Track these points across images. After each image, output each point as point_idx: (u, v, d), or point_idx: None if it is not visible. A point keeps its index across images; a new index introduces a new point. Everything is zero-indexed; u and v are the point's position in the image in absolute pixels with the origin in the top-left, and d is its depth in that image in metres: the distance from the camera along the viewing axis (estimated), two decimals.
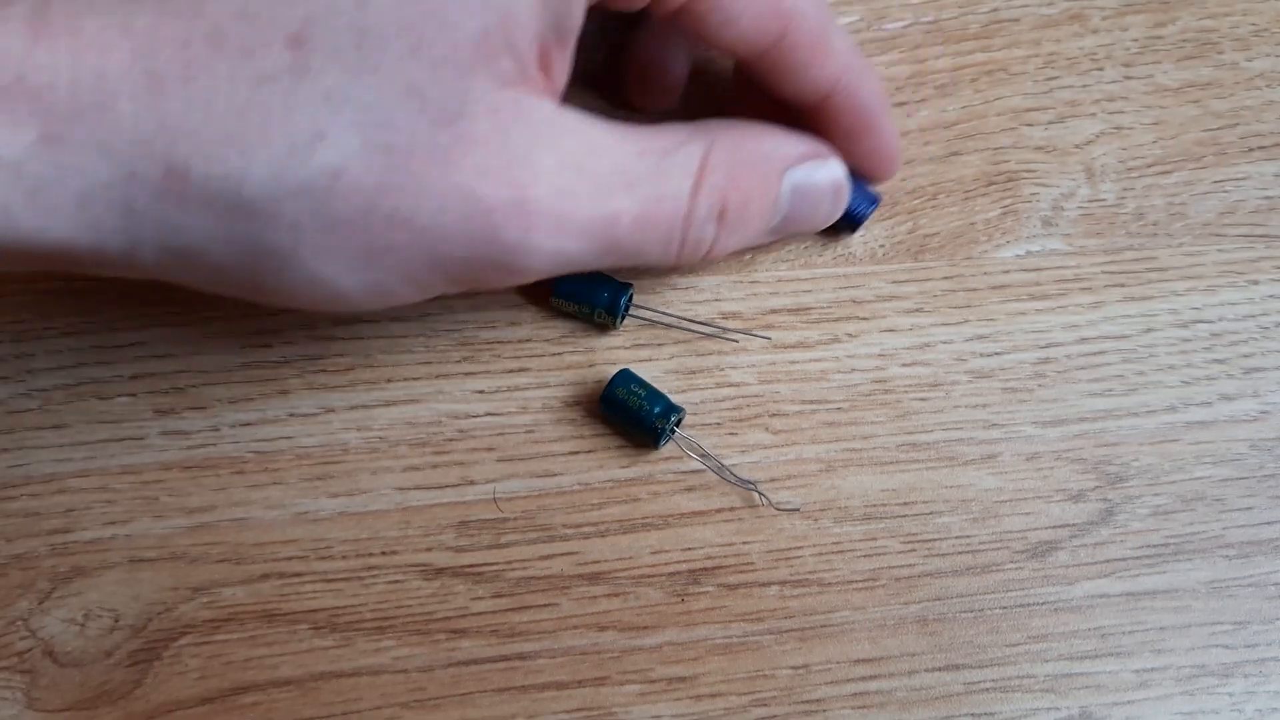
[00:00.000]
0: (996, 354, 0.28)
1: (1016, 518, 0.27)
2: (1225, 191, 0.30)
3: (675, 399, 0.27)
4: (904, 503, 0.27)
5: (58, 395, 0.27)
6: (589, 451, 0.27)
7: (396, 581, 0.26)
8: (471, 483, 0.27)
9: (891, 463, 0.28)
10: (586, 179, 0.22)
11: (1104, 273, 0.29)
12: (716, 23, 0.23)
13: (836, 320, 0.29)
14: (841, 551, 0.27)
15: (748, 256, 0.29)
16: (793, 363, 0.28)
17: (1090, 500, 0.27)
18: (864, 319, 0.29)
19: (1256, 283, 0.29)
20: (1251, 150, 0.30)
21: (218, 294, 0.22)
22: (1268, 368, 0.29)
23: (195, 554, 0.26)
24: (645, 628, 0.26)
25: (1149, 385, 0.28)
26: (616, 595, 0.27)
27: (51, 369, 0.28)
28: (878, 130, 0.27)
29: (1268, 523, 0.28)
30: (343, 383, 0.28)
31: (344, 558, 0.27)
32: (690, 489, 0.27)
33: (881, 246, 0.29)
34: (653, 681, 0.26)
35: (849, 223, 0.28)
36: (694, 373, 0.28)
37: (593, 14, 0.23)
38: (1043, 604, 0.27)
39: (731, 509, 0.27)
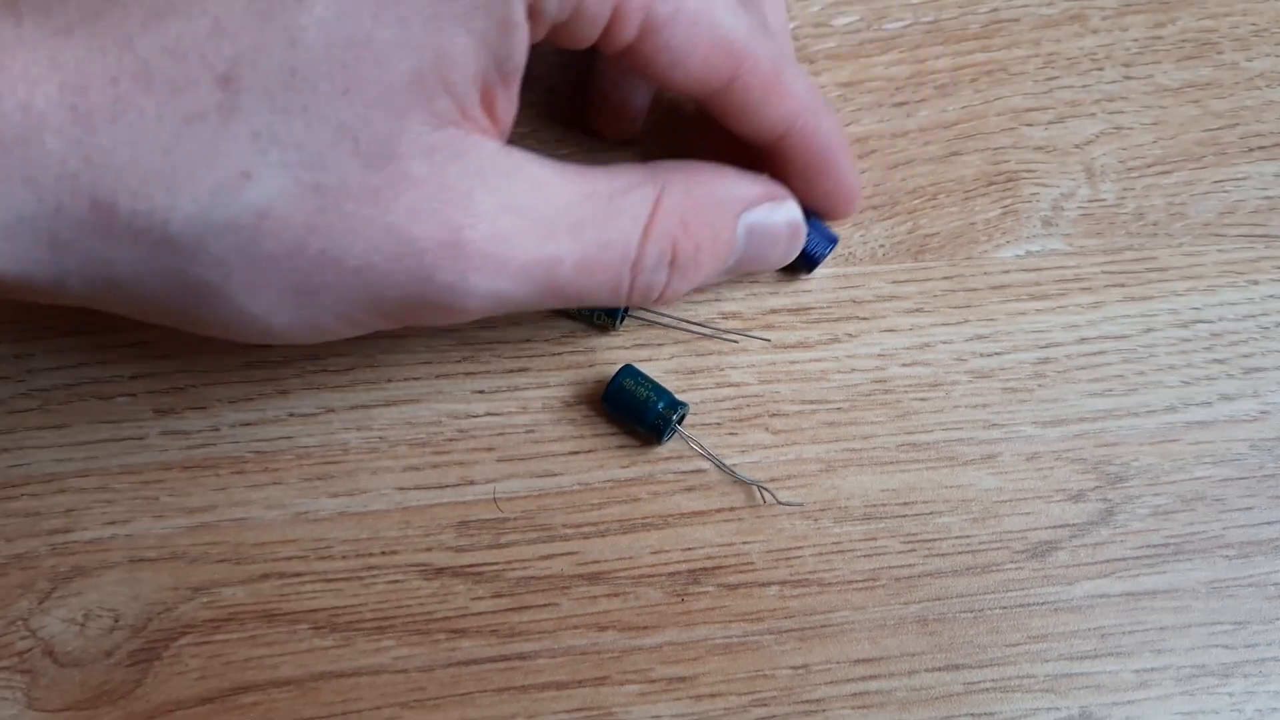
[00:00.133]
0: (996, 354, 0.28)
1: (1016, 518, 0.27)
2: (1225, 191, 0.30)
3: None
4: (904, 503, 0.27)
5: (58, 395, 0.27)
6: (589, 451, 0.27)
7: (396, 581, 0.26)
8: (471, 483, 0.27)
9: (891, 463, 0.28)
10: (527, 221, 0.22)
11: (1104, 273, 0.29)
12: (665, 63, 0.23)
13: (836, 320, 0.29)
14: (841, 551, 0.27)
15: None
16: (793, 363, 0.28)
17: (1090, 500, 0.27)
18: (864, 319, 0.29)
19: (1256, 283, 0.29)
20: (1251, 150, 0.30)
21: (148, 322, 0.22)
22: (1268, 368, 0.29)
23: (195, 554, 0.26)
24: (645, 628, 0.26)
25: (1149, 385, 0.28)
26: (616, 595, 0.27)
27: (51, 369, 0.28)
28: (836, 170, 0.26)
29: (1268, 523, 0.28)
30: (343, 383, 0.28)
31: (344, 558, 0.27)
32: (690, 489, 0.27)
33: (881, 246, 0.29)
34: (653, 681, 0.26)
35: (805, 263, 0.28)
36: (694, 373, 0.28)
37: (542, 47, 0.23)
38: (1043, 604, 0.27)
39: (731, 509, 0.27)
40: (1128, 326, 0.29)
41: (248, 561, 0.26)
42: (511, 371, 0.28)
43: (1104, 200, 0.30)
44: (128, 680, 0.26)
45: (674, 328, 0.28)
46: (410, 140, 0.20)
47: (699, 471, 0.27)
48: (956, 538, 0.27)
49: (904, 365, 0.28)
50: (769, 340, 0.28)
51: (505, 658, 0.26)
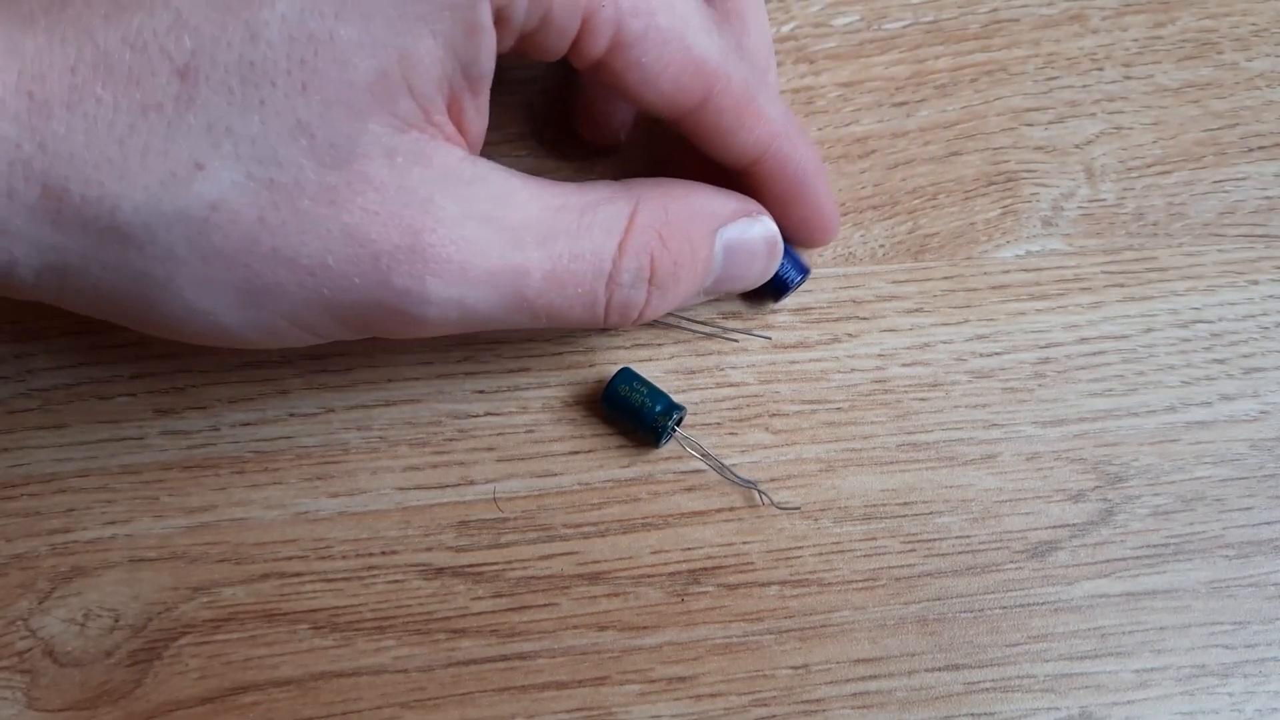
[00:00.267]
0: (996, 354, 0.28)
1: (1016, 518, 0.27)
2: (1225, 192, 0.30)
3: (675, 399, 0.27)
4: (904, 503, 0.27)
5: (58, 395, 0.27)
6: (589, 451, 0.27)
7: (396, 581, 0.26)
8: (471, 483, 0.27)
9: (891, 463, 0.28)
10: (492, 230, 0.22)
11: (1104, 273, 0.29)
12: (635, 81, 0.23)
13: (836, 320, 0.29)
14: (841, 551, 0.27)
15: None
16: (793, 363, 0.28)
17: (1090, 500, 0.27)
18: (864, 319, 0.29)
19: (1256, 283, 0.29)
20: (1251, 150, 0.30)
21: (102, 319, 0.22)
22: (1267, 368, 0.29)
23: (195, 554, 0.26)
24: (645, 628, 0.26)
25: (1149, 385, 0.28)
26: (616, 595, 0.27)
27: (51, 369, 0.28)
28: (811, 197, 0.26)
29: (1267, 523, 0.28)
30: (343, 383, 0.28)
31: (344, 557, 0.27)
32: (690, 489, 0.27)
33: (881, 246, 0.29)
34: (653, 681, 0.26)
35: (775, 290, 0.28)
36: (694, 373, 0.28)
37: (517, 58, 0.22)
38: (1043, 604, 0.27)
39: (731, 509, 0.27)
40: (1128, 326, 0.29)
41: (248, 561, 0.26)
42: (511, 371, 0.28)
43: (1104, 200, 0.30)
44: (128, 680, 0.26)
45: (674, 327, 0.28)
46: (370, 141, 0.20)
47: (699, 471, 0.27)
48: (956, 538, 0.27)
49: (904, 365, 0.28)
50: (769, 339, 0.28)
51: (505, 658, 0.26)
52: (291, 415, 0.27)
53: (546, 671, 0.26)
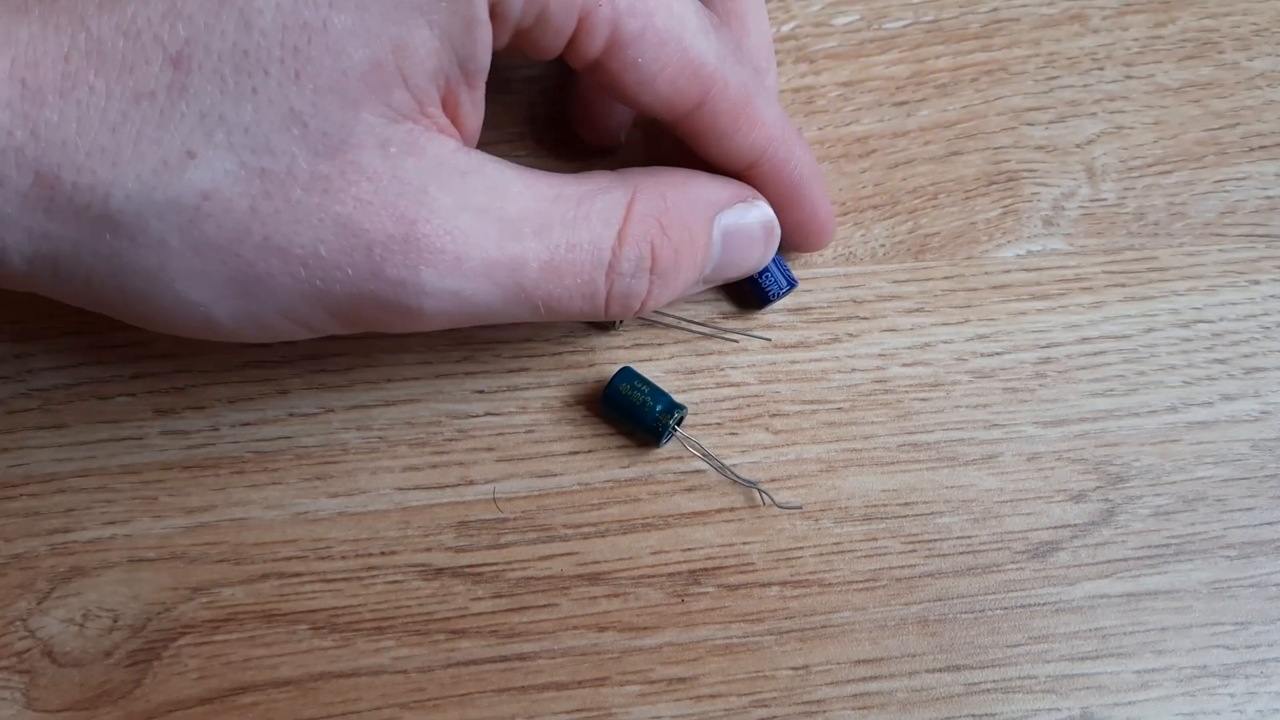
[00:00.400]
0: (997, 354, 0.28)
1: (1017, 518, 0.27)
2: (1226, 191, 0.30)
3: (676, 399, 0.27)
4: (905, 503, 0.27)
5: (58, 395, 0.27)
6: (589, 451, 0.27)
7: (396, 581, 0.26)
8: (471, 483, 0.27)
9: (892, 463, 0.27)
10: (488, 220, 0.22)
11: (1105, 273, 0.29)
12: (632, 82, 0.23)
13: (837, 320, 0.29)
14: (842, 552, 0.27)
15: None
16: (793, 363, 0.28)
17: (1091, 500, 0.27)
18: (864, 319, 0.29)
19: (1257, 282, 0.29)
20: (1252, 150, 0.30)
21: (95, 311, 0.22)
22: (1269, 368, 0.29)
23: (195, 554, 0.26)
24: (645, 628, 0.26)
25: (1150, 385, 0.28)
26: (616, 595, 0.26)
27: (51, 369, 0.28)
28: (807, 201, 0.26)
29: (1269, 523, 0.27)
30: (342, 383, 0.28)
31: (344, 558, 0.27)
32: (690, 489, 0.27)
33: (882, 246, 0.29)
34: (653, 682, 0.26)
35: (758, 298, 0.28)
36: (694, 373, 0.28)
37: (514, 56, 0.22)
38: (1044, 604, 0.27)
39: (732, 509, 0.27)
40: (1129, 326, 0.29)
41: (247, 561, 0.26)
42: (511, 371, 0.28)
43: (1105, 200, 0.30)
44: (127, 680, 0.26)
45: (674, 327, 0.28)
46: (364, 131, 0.20)
47: (699, 472, 0.27)
48: (957, 538, 0.27)
49: (905, 365, 0.28)
50: (769, 340, 0.28)
51: (505, 658, 0.26)
52: (291, 415, 0.27)
53: (546, 672, 0.26)
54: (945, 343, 0.28)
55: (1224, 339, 0.29)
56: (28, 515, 0.27)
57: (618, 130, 0.29)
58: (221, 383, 0.28)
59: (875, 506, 0.27)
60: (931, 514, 0.27)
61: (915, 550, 0.27)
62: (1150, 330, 0.29)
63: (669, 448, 0.27)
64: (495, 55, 0.22)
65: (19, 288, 0.21)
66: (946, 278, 0.29)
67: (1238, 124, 0.31)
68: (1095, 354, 0.28)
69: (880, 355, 0.28)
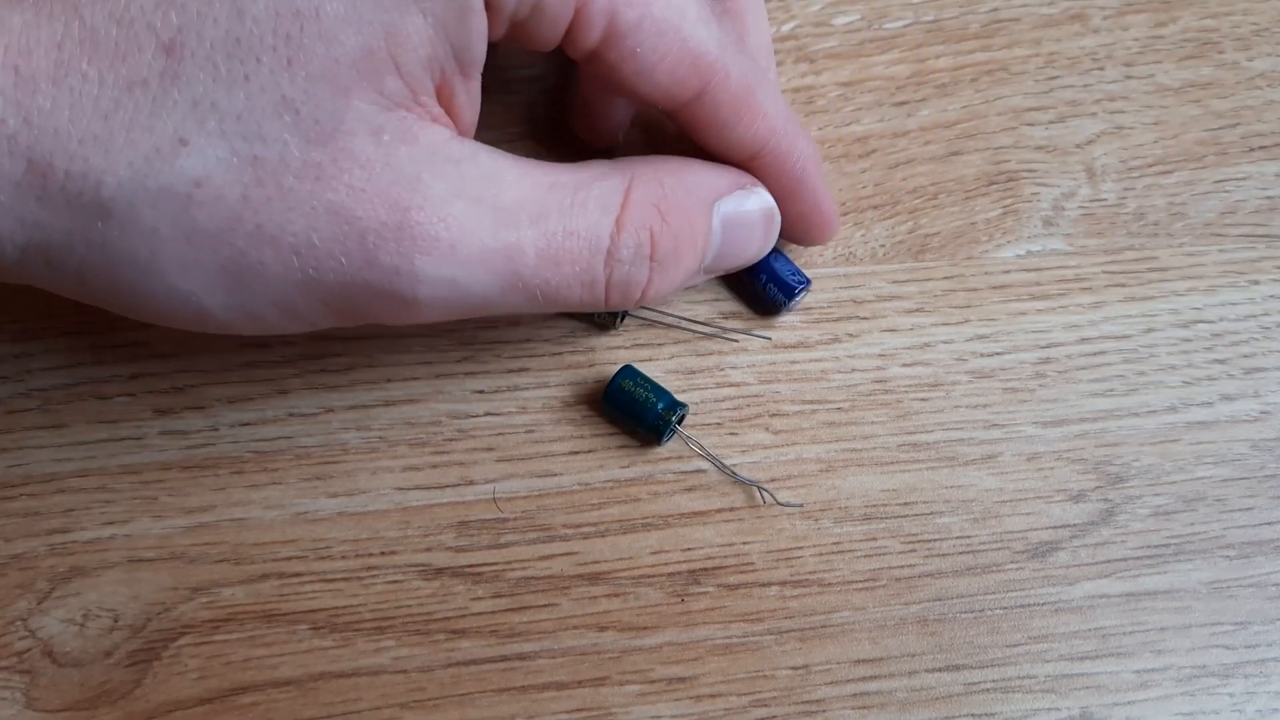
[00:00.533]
0: (997, 354, 0.28)
1: (1017, 518, 0.27)
2: (1226, 191, 0.30)
3: (677, 398, 0.27)
4: (904, 503, 0.27)
5: (57, 395, 0.27)
6: (589, 451, 0.27)
7: (396, 581, 0.26)
8: (471, 483, 0.27)
9: (892, 463, 0.28)
10: (483, 208, 0.21)
11: (1105, 273, 0.29)
12: (631, 72, 0.23)
13: (837, 320, 0.29)
14: (842, 552, 0.27)
15: None
16: (793, 363, 0.28)
17: (1091, 500, 0.27)
18: (864, 319, 0.29)
19: (1257, 283, 0.29)
20: (1252, 150, 0.30)
21: (88, 303, 0.22)
22: (1269, 368, 0.29)
23: (195, 554, 0.26)
24: (645, 628, 0.26)
25: (1150, 385, 0.28)
26: (616, 595, 0.27)
27: (51, 369, 0.28)
28: (810, 194, 0.26)
29: (1268, 523, 0.27)
30: (343, 383, 0.28)
31: (343, 558, 0.27)
32: (690, 489, 0.27)
33: (882, 246, 0.29)
34: (653, 682, 0.26)
35: (783, 292, 0.27)
36: (694, 373, 0.28)
37: (514, 48, 0.22)
38: (1043, 604, 0.27)
39: (732, 509, 0.27)
40: (1128, 326, 0.29)
41: (247, 561, 0.26)
42: (511, 371, 0.28)
43: (1105, 200, 0.30)
44: (127, 680, 0.26)
45: (674, 327, 0.28)
46: (355, 118, 0.20)
47: (699, 471, 0.27)
48: (957, 538, 0.27)
49: (904, 365, 0.28)
50: (769, 339, 0.28)
51: (505, 658, 0.26)
52: (291, 415, 0.27)
53: (546, 672, 0.26)
54: (945, 343, 0.28)
55: (1224, 339, 0.29)
56: (27, 515, 0.27)
57: (617, 130, 0.29)
58: (221, 383, 0.28)
59: (875, 506, 0.27)
60: (931, 514, 0.27)
61: (915, 550, 0.27)
62: (1150, 330, 0.29)
63: (669, 448, 0.27)
64: (494, 50, 0.22)
65: (12, 279, 0.21)
66: (946, 278, 0.29)
67: (1238, 124, 0.31)
68: (1095, 354, 0.28)
69: (880, 355, 0.28)
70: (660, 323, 0.28)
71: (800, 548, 0.27)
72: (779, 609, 0.27)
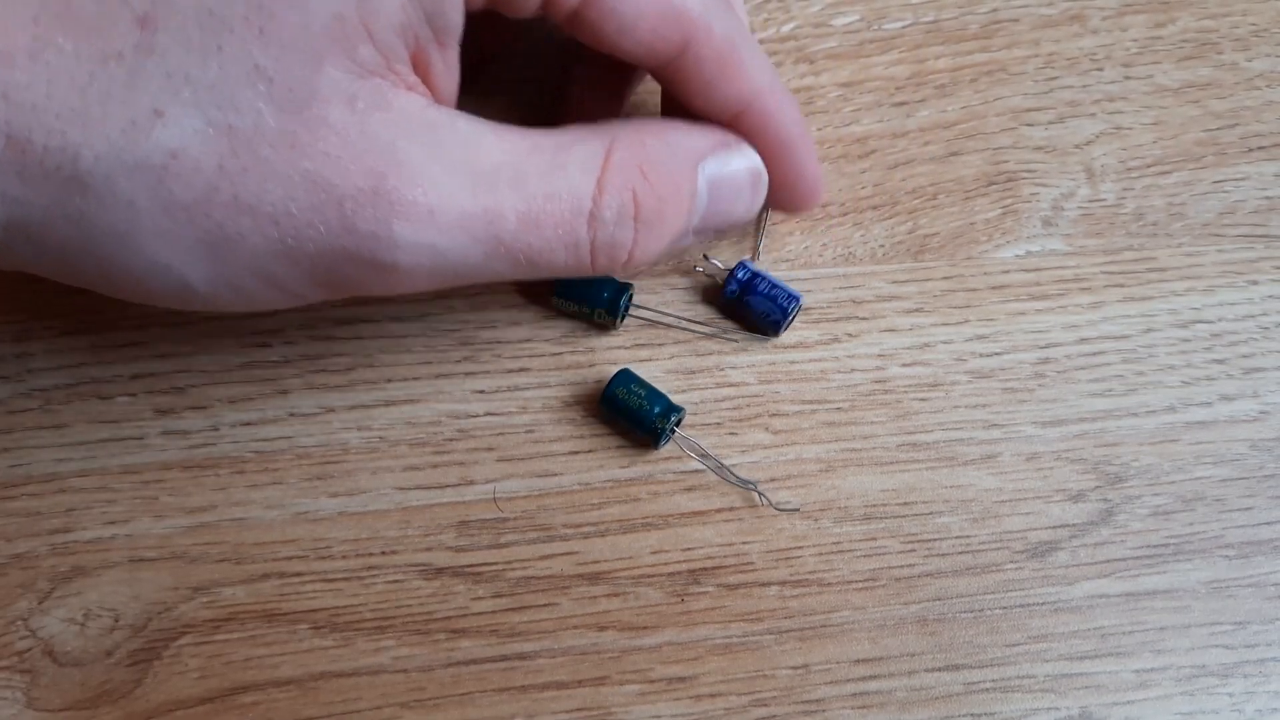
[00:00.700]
0: (996, 354, 0.28)
1: (1016, 518, 0.27)
2: (1225, 192, 0.30)
3: (675, 399, 0.27)
4: (904, 503, 0.27)
5: (58, 395, 0.27)
6: (589, 451, 0.27)
7: (396, 581, 0.26)
8: (471, 483, 0.27)
9: (891, 463, 0.28)
10: (461, 173, 0.21)
11: (1104, 273, 0.29)
12: (613, 29, 0.23)
13: (836, 320, 0.29)
14: (841, 552, 0.27)
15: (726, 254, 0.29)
16: (793, 363, 0.28)
17: (1090, 500, 0.27)
18: (864, 319, 0.29)
19: (1256, 283, 0.29)
20: (1251, 150, 0.30)
21: (72, 284, 0.22)
22: (1267, 368, 0.29)
23: (195, 554, 0.26)
24: (645, 628, 0.26)
25: (1149, 385, 0.28)
26: (616, 595, 0.27)
27: (51, 369, 0.28)
28: (795, 157, 0.26)
29: (1267, 523, 0.28)
30: (343, 383, 0.28)
31: (344, 557, 0.27)
32: (690, 489, 0.27)
33: (881, 246, 0.29)
34: (653, 681, 0.26)
35: (777, 314, 0.27)
36: (694, 373, 0.28)
37: (490, 22, 0.22)
38: (1043, 604, 0.27)
39: (731, 509, 0.27)
40: (1127, 327, 0.29)
41: (248, 561, 0.26)
42: (511, 371, 0.28)
43: (1104, 200, 0.30)
44: (128, 680, 0.26)
45: (674, 327, 0.28)
46: (329, 86, 0.20)
47: (699, 471, 0.27)
48: (956, 538, 0.27)
49: (904, 365, 0.28)
50: (769, 339, 0.28)
51: (505, 658, 0.26)
52: (291, 415, 0.27)
53: (546, 672, 0.26)
54: (944, 343, 0.28)
55: (1222, 339, 0.29)
56: (28, 515, 0.27)
57: None
58: (221, 383, 0.28)
59: (874, 506, 0.27)
60: (930, 514, 0.27)
61: (914, 550, 0.27)
62: (1149, 330, 0.29)
63: (669, 447, 0.27)
64: (492, 48, 0.22)
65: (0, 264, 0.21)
66: (946, 278, 0.29)
67: (1237, 124, 0.31)
68: (1094, 354, 0.29)
69: (880, 355, 0.28)
70: (660, 323, 0.28)
71: (800, 548, 0.27)
72: (779, 609, 0.27)
